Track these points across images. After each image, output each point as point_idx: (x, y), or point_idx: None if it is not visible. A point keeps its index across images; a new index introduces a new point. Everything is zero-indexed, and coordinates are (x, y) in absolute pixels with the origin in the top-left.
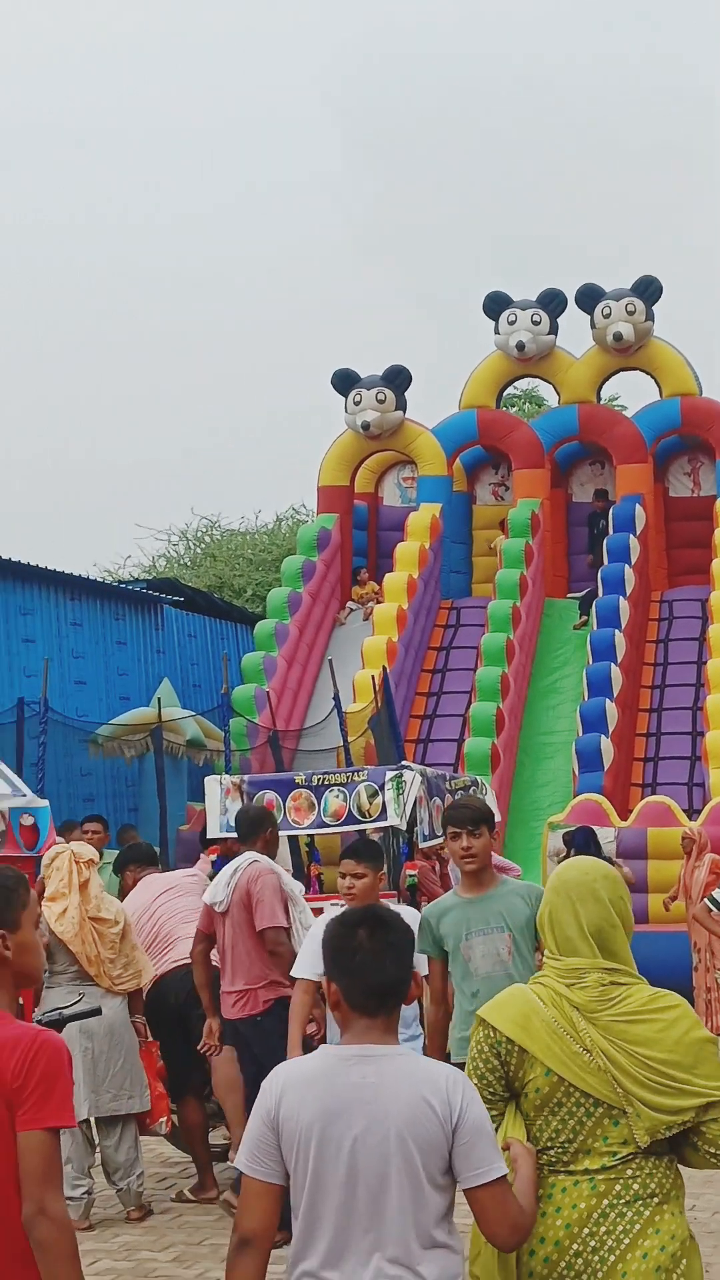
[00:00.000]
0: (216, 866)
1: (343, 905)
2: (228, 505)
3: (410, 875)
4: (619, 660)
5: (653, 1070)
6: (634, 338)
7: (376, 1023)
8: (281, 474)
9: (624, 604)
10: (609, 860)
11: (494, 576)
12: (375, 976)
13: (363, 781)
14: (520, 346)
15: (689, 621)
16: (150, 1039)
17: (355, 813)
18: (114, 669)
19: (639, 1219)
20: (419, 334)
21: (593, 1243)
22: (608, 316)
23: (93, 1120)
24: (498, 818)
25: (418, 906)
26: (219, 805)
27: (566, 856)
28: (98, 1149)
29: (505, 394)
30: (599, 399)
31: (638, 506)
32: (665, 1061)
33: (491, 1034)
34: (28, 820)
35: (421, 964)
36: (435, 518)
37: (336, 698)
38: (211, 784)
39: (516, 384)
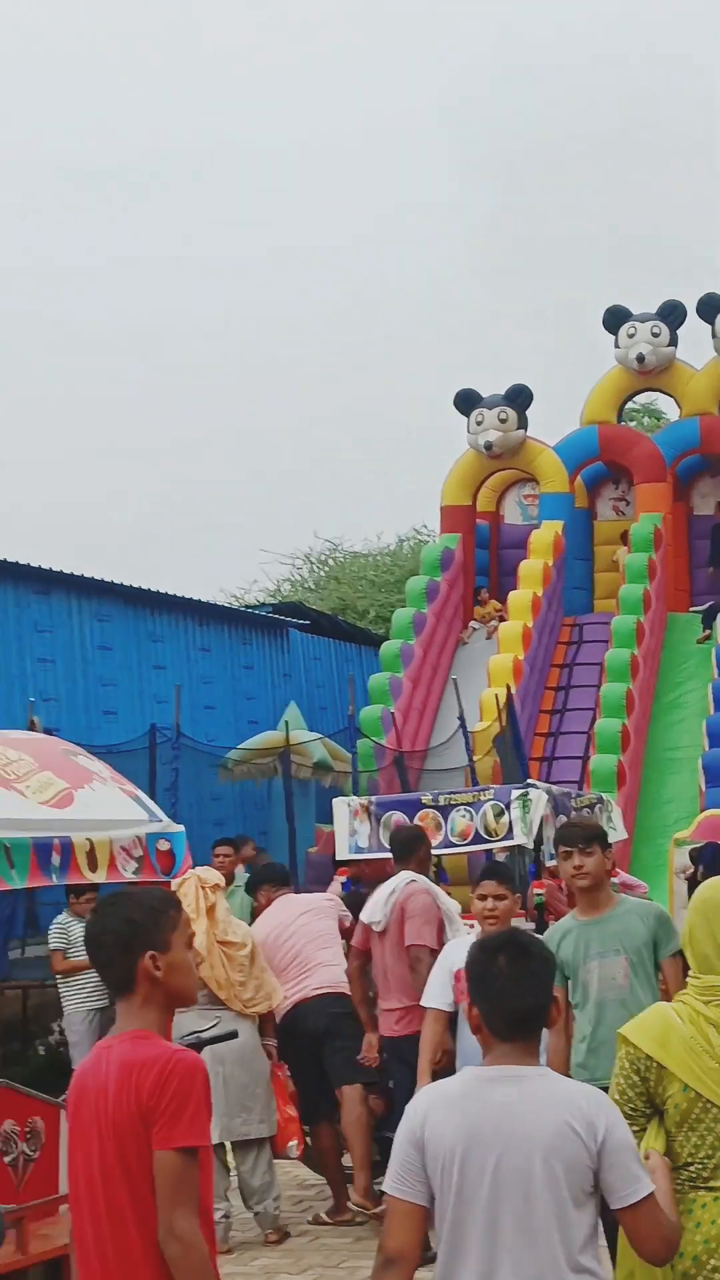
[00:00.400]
0: (346, 888)
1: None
2: (350, 527)
3: (538, 894)
4: None
5: None
6: None
7: (518, 1047)
8: (402, 495)
9: None
10: None
11: (617, 592)
12: (515, 1003)
13: (489, 800)
14: (640, 359)
15: None
16: (279, 1061)
17: (482, 832)
18: (242, 693)
19: None
20: (539, 350)
21: None
22: None
23: (228, 1144)
24: (623, 835)
25: (545, 926)
26: (347, 827)
27: (694, 873)
28: (233, 1173)
29: (624, 408)
30: None
31: None
32: None
33: (632, 1051)
34: (164, 845)
35: None
36: (558, 535)
37: (461, 717)
38: (340, 806)
39: (636, 398)
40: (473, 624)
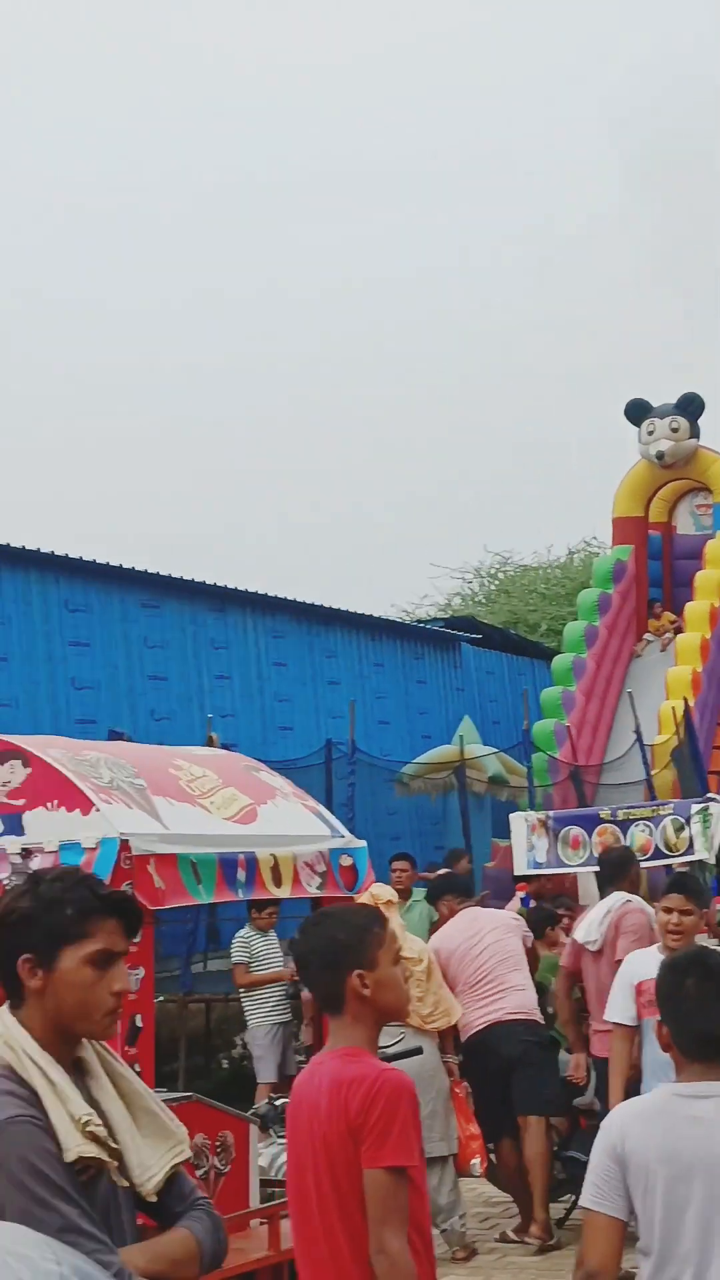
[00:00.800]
0: (524, 903)
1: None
2: (520, 540)
3: None
4: None
5: None
6: None
7: (709, 1065)
8: (572, 507)
9: None
10: None
11: None
12: (703, 1025)
13: (668, 815)
14: None
15: None
16: (459, 1078)
17: (662, 847)
18: (415, 708)
19: None
20: (711, 359)
21: None
22: None
23: None
24: None
25: None
26: (525, 842)
27: None
28: None
29: None
30: None
31: None
32: None
33: None
34: (346, 861)
35: None
36: None
37: (638, 730)
38: (517, 820)
39: None
40: (647, 636)
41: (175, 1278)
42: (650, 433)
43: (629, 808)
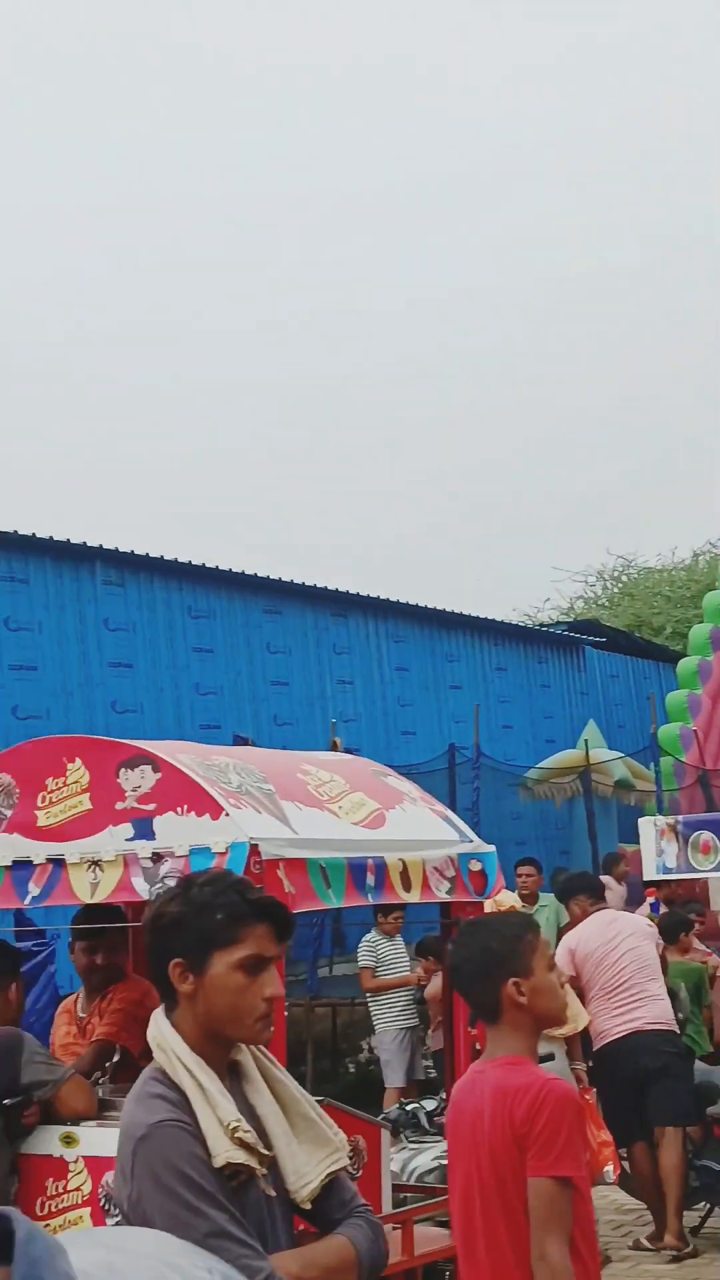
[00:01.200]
0: (654, 909)
1: None
2: (643, 543)
3: None
4: None
5: None
6: None
7: None
8: (697, 509)
9: None
10: None
11: None
12: None
13: None
14: None
15: None
16: (587, 1085)
17: None
18: (539, 712)
19: None
20: None
21: None
22: None
23: None
24: None
25: None
26: (654, 847)
27: None
28: None
29: None
30: None
31: None
32: None
33: None
34: (475, 866)
35: None
36: None
37: None
38: (646, 825)
39: None
40: None
41: None
42: None
43: None
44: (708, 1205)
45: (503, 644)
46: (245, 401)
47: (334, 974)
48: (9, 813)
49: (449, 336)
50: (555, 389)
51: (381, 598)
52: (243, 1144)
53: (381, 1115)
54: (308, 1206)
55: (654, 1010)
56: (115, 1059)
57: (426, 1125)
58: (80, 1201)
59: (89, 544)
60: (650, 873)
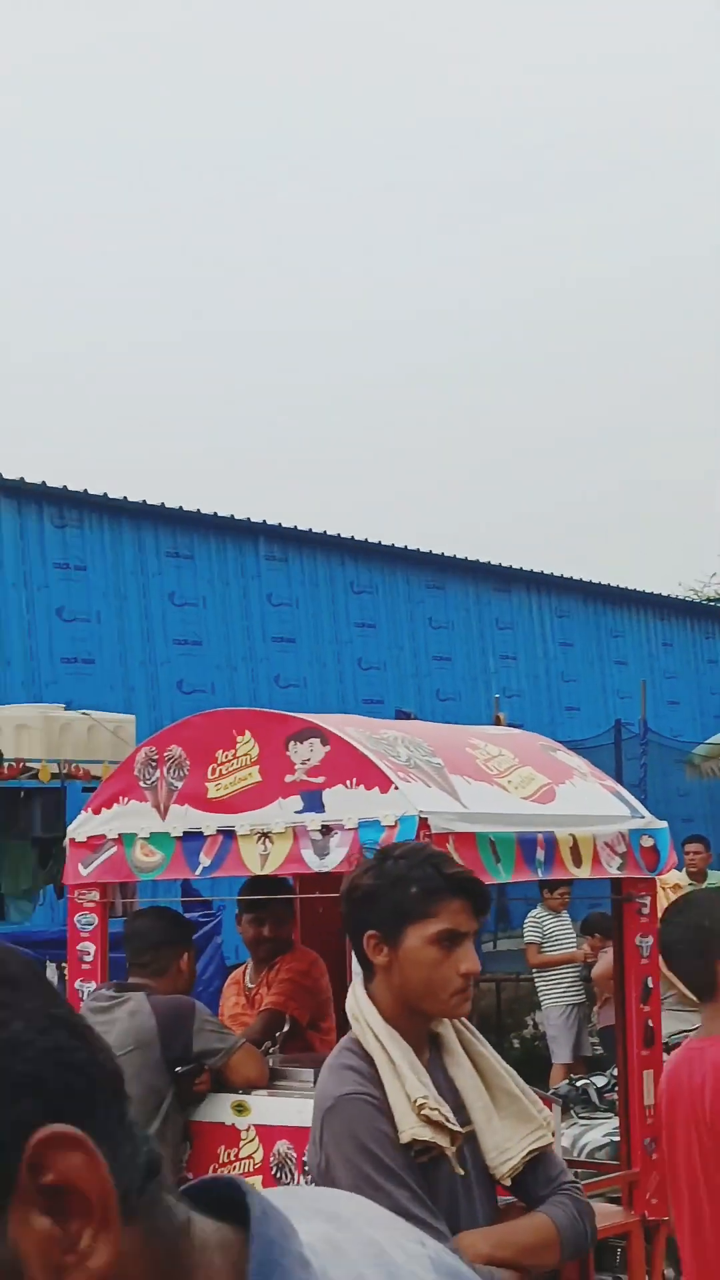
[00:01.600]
0: None
1: None
2: None
3: None
4: None
5: None
6: None
7: None
8: None
9: None
10: None
11: None
12: None
13: None
14: None
15: None
16: None
17: None
18: (706, 688)
19: None
20: None
21: None
22: None
23: None
24: None
25: None
26: None
27: None
28: None
29: None
30: None
31: None
32: None
33: None
34: (647, 842)
35: None
36: None
37: None
38: None
39: None
40: None
41: (528, 1264)
42: None
43: None
44: None
45: (669, 619)
46: (409, 383)
47: (498, 949)
48: (179, 784)
49: (609, 311)
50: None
51: (546, 573)
52: (429, 1121)
53: (551, 1091)
54: (508, 1183)
55: None
56: (285, 1029)
57: (597, 1101)
58: (252, 1170)
59: (252, 520)
60: None
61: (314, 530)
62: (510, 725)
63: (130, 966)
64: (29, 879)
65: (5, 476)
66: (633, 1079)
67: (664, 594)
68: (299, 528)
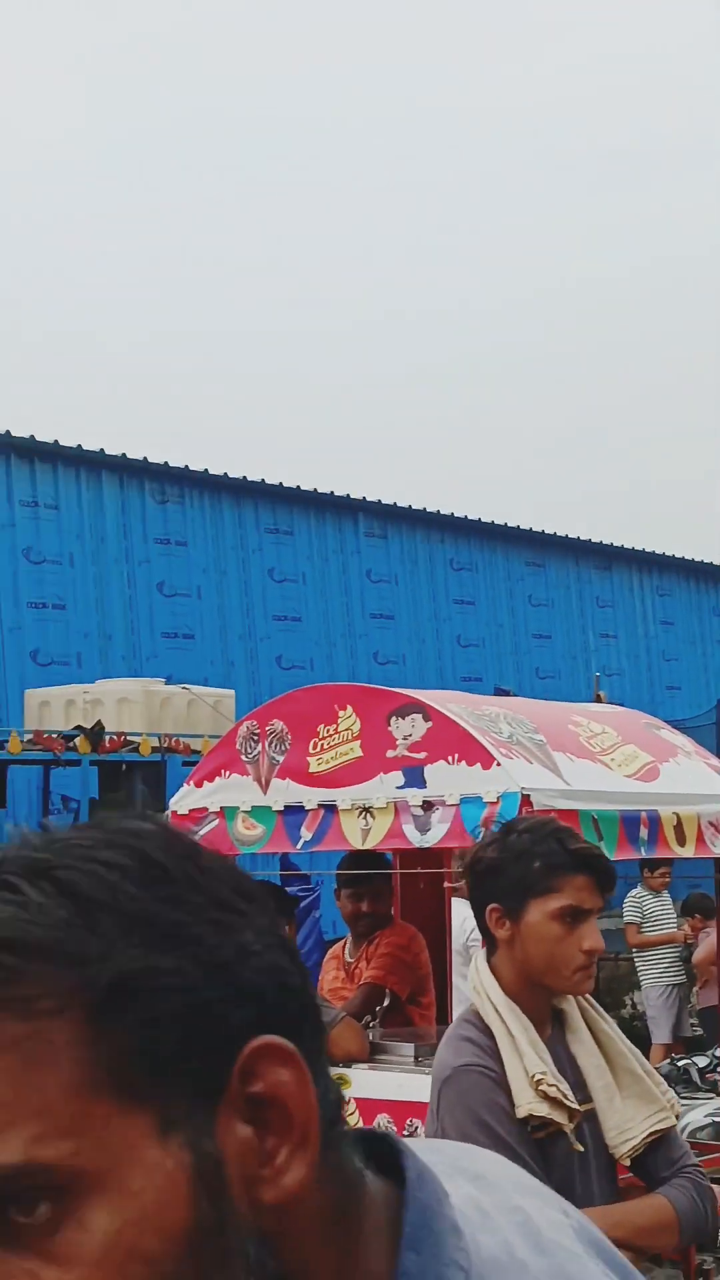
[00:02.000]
0: None
1: None
2: None
3: None
4: None
5: None
6: None
7: None
8: None
9: None
10: None
11: None
12: None
13: None
14: None
15: None
16: None
17: None
18: None
19: None
20: None
21: None
22: None
23: None
24: None
25: None
26: None
27: None
28: None
29: None
30: None
31: None
32: None
33: None
34: None
35: None
36: None
37: None
38: None
39: None
40: None
41: (644, 1245)
42: None
43: None
44: None
45: None
46: (409, 383)
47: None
48: (281, 758)
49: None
50: None
51: (647, 550)
52: (546, 1097)
53: None
54: (627, 1163)
55: None
56: (384, 1003)
57: (699, 1081)
58: None
59: (352, 496)
60: None
61: (413, 507)
62: (611, 704)
63: None
64: None
65: (108, 453)
66: None
67: None
68: (398, 504)
